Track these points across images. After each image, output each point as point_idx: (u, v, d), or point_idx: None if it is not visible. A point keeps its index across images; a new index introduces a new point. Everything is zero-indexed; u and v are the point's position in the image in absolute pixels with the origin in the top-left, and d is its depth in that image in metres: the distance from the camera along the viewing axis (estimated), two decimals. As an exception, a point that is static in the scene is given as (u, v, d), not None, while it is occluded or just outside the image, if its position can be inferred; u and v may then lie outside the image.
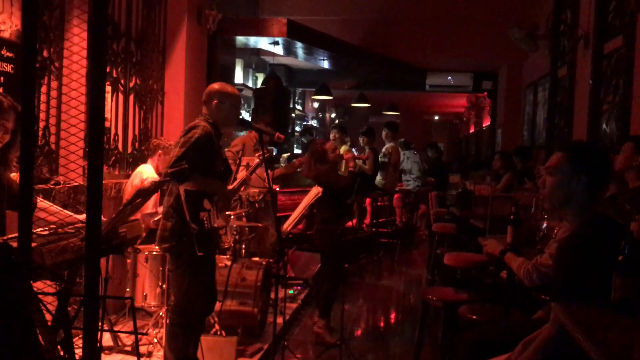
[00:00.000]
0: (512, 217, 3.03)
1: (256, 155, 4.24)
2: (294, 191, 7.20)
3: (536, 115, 8.54)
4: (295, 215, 3.91)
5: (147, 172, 4.51)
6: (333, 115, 17.66)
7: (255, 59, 9.38)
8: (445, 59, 10.45)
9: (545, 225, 3.01)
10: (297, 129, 13.26)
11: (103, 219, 3.14)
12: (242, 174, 4.93)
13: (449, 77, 10.88)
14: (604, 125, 5.57)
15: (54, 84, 4.18)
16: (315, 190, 3.97)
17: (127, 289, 4.28)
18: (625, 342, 1.60)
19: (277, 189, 6.37)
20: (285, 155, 9.05)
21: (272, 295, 4.58)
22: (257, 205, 5.55)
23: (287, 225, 3.97)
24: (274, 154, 6.38)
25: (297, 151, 12.66)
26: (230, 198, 3.33)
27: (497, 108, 11.08)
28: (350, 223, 7.98)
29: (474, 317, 3.05)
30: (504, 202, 3.94)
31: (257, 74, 9.41)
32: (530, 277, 2.54)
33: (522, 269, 2.59)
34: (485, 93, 11.55)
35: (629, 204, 3.59)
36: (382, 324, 5.84)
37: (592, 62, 5.78)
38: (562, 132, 6.81)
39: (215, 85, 3.48)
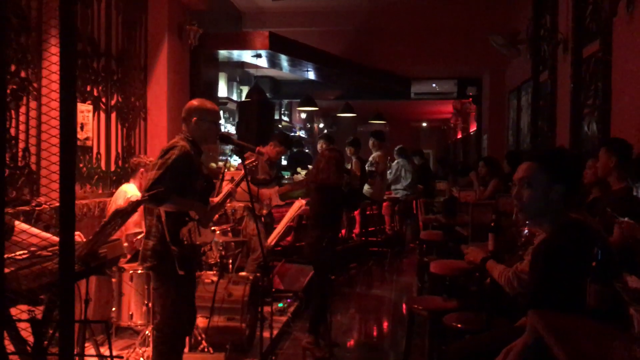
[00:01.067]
0: (492, 224, 3.04)
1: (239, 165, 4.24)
2: (281, 205, 7.21)
3: (520, 120, 8.60)
4: (279, 229, 3.90)
5: (131, 192, 4.49)
6: (321, 125, 17.68)
7: (239, 72, 9.39)
8: (429, 67, 10.51)
9: (526, 231, 3.02)
10: (285, 140, 13.25)
11: (81, 239, 3.14)
12: (227, 188, 4.94)
13: (434, 85, 10.94)
14: (586, 129, 5.62)
15: (32, 105, 4.16)
16: (299, 204, 3.97)
17: (113, 309, 4.25)
18: (600, 350, 1.60)
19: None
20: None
21: (266, 309, 4.58)
22: (262, 219, 5.58)
23: (271, 240, 3.97)
24: (277, 173, 6.41)
25: (283, 162, 12.66)
26: (211, 215, 3.31)
27: (482, 113, 11.15)
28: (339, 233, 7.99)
29: (459, 325, 3.04)
30: (485, 209, 3.95)
31: (241, 87, 9.42)
32: (511, 284, 2.54)
33: (503, 276, 2.59)
34: (470, 99, 11.62)
35: (611, 207, 3.62)
36: (372, 335, 5.82)
37: (571, 67, 5.84)
38: (545, 137, 6.85)
39: (194, 102, 3.46)
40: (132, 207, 2.67)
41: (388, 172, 9.32)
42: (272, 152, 5.72)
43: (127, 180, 4.71)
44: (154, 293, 3.43)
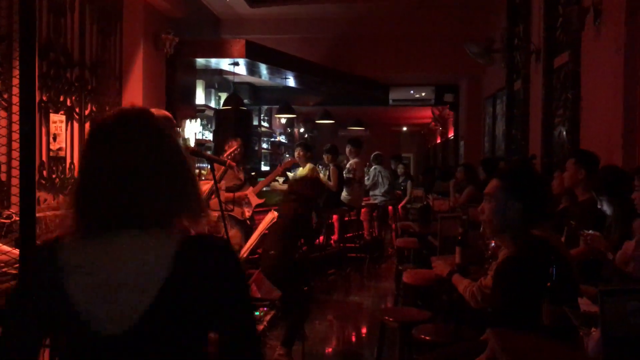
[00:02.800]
0: (459, 237, 3.08)
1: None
2: (261, 210, 7.20)
3: (496, 127, 8.70)
4: (252, 240, 3.91)
5: None
6: (302, 130, 17.70)
7: (217, 79, 9.38)
8: (407, 74, 10.60)
9: (493, 244, 3.07)
10: (265, 146, 13.26)
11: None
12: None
13: (412, 91, 11.03)
14: (557, 138, 5.71)
15: (3, 114, 4.13)
16: (271, 215, 3.98)
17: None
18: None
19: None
20: (251, 174, 9.05)
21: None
22: (248, 222, 5.60)
23: (244, 252, 3.96)
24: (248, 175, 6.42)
25: (264, 168, 12.66)
26: None
27: (459, 120, 11.26)
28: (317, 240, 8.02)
29: (427, 338, 3.08)
30: (454, 222, 4.01)
31: (220, 94, 9.40)
32: (475, 299, 2.58)
33: (468, 291, 2.63)
34: (448, 105, 11.73)
35: (576, 219, 3.69)
36: (347, 343, 5.83)
37: (543, 76, 5.93)
38: (519, 144, 6.95)
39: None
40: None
41: (366, 178, 9.38)
42: (232, 152, 5.71)
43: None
44: None
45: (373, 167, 9.63)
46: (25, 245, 1.90)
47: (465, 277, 2.83)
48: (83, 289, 1.20)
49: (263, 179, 8.78)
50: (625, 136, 4.04)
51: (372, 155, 9.87)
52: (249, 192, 5.72)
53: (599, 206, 3.12)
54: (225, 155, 5.78)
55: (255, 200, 5.58)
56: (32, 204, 1.45)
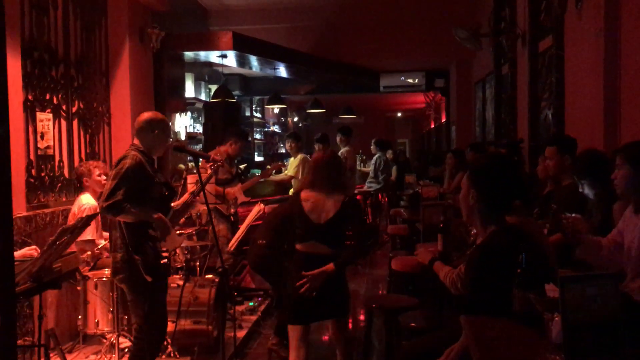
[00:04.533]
0: (441, 225, 3.12)
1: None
2: (253, 202, 7.24)
3: (486, 111, 8.72)
4: (239, 233, 3.95)
5: (85, 202, 4.51)
6: (295, 119, 17.70)
7: (207, 71, 9.37)
8: (397, 60, 10.59)
9: (475, 230, 3.11)
10: (258, 136, 13.27)
11: (37, 253, 3.15)
12: (186, 196, 4.98)
13: (402, 77, 11.02)
14: (544, 121, 5.74)
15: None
16: (258, 208, 4.02)
17: (79, 317, 4.28)
18: (520, 355, 1.68)
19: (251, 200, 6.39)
20: (241, 166, 9.07)
21: (231, 310, 4.64)
22: (232, 218, 5.65)
23: (231, 244, 4.01)
24: (241, 168, 6.49)
25: (258, 158, 12.68)
26: (165, 223, 3.37)
27: (450, 105, 11.27)
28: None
29: (412, 324, 3.13)
30: (436, 210, 4.05)
31: (210, 86, 9.39)
32: (455, 286, 2.62)
33: (448, 278, 2.67)
34: (439, 91, 11.73)
35: (560, 203, 3.73)
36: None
37: (528, 60, 5.95)
38: (507, 129, 6.98)
39: (152, 115, 3.57)
40: (82, 223, 2.70)
41: (371, 164, 9.45)
42: (231, 149, 5.77)
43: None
44: (129, 304, 3.51)
45: (377, 155, 9.64)
46: (4, 249, 1.88)
47: (447, 264, 2.87)
48: (306, 207, 3.40)
49: (257, 170, 8.84)
50: (606, 118, 4.07)
51: (373, 142, 9.87)
52: (237, 189, 5.74)
53: (580, 190, 3.15)
54: (222, 148, 5.81)
55: (241, 198, 5.62)
56: (8, 204, 1.45)
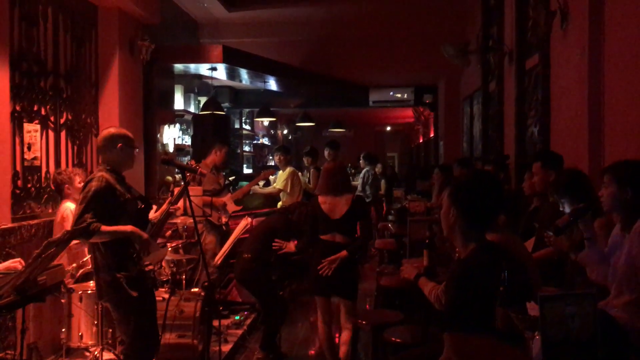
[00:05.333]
0: (427, 240, 3.14)
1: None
2: (244, 214, 7.24)
3: (473, 127, 8.80)
4: (227, 246, 3.95)
5: (67, 208, 4.49)
6: (285, 131, 17.73)
7: (197, 83, 9.38)
8: (386, 75, 10.68)
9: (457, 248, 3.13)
10: (247, 148, 13.27)
11: (22, 266, 3.13)
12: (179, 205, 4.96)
13: (391, 92, 11.10)
14: (530, 138, 5.81)
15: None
16: (245, 222, 4.03)
17: (63, 330, 4.24)
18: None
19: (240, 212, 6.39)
20: (230, 178, 9.07)
21: (216, 324, 4.62)
22: (224, 227, 5.64)
23: (218, 258, 4.01)
24: (228, 181, 6.49)
25: (247, 171, 12.67)
26: (143, 236, 3.34)
27: (439, 120, 11.35)
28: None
29: (397, 340, 3.14)
30: (422, 225, 4.08)
31: (199, 98, 9.39)
32: (439, 301, 2.64)
33: (433, 294, 2.69)
34: (427, 106, 11.82)
35: (545, 220, 3.76)
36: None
37: (515, 78, 6.03)
38: (494, 145, 7.05)
39: (113, 130, 3.53)
40: (67, 236, 2.69)
41: (360, 178, 9.46)
42: (217, 157, 5.78)
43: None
44: (116, 323, 3.48)
45: (365, 169, 9.66)
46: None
47: (432, 280, 2.89)
48: (324, 208, 4.17)
49: (245, 182, 8.83)
50: (591, 136, 4.13)
51: (362, 156, 9.88)
52: (227, 198, 5.75)
53: (560, 208, 3.19)
54: (208, 160, 5.83)
55: (232, 207, 5.62)
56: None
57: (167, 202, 3.80)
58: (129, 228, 3.26)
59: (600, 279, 2.69)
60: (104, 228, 3.14)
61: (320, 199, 4.22)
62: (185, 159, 8.42)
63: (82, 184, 4.43)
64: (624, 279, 2.50)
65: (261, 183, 7.89)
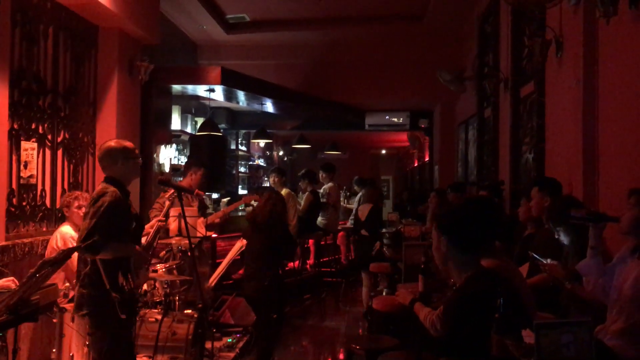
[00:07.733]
0: (422, 266, 3.14)
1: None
2: (233, 236, 7.21)
3: (468, 153, 8.85)
4: (221, 269, 3.93)
5: (63, 231, 4.47)
6: (281, 153, 17.75)
7: (194, 104, 9.42)
8: (382, 99, 10.76)
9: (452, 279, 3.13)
10: (242, 169, 13.28)
11: (15, 285, 3.11)
12: (174, 225, 4.94)
13: (387, 116, 11.18)
14: (525, 165, 5.85)
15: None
16: (240, 244, 4.02)
17: (53, 350, 4.20)
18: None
19: (214, 236, 6.34)
20: (224, 199, 9.06)
21: (208, 346, 4.57)
22: (196, 252, 5.52)
23: (212, 280, 3.98)
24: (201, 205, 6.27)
25: (242, 192, 12.66)
26: (144, 256, 3.30)
27: (434, 145, 11.42)
28: (292, 264, 8.04)
29: (392, 365, 3.12)
30: (417, 250, 4.08)
31: (196, 119, 9.44)
32: (435, 327, 2.63)
33: (428, 319, 2.68)
34: (422, 131, 11.89)
35: (540, 247, 3.76)
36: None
37: (510, 105, 6.09)
38: (489, 170, 7.08)
39: (113, 144, 3.40)
40: (62, 255, 2.68)
41: (355, 202, 9.46)
42: (192, 180, 5.54)
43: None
44: (90, 337, 3.40)
45: (360, 193, 9.64)
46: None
47: (428, 305, 2.88)
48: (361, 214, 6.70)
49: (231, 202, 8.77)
50: (585, 164, 4.16)
51: (355, 180, 9.87)
52: (200, 222, 5.56)
53: (556, 236, 3.19)
54: (183, 182, 5.68)
55: (203, 231, 5.40)
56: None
57: (155, 219, 3.77)
58: (132, 247, 3.22)
59: (595, 291, 2.67)
60: (113, 245, 3.08)
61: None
62: (180, 179, 8.40)
63: (81, 208, 4.42)
64: (628, 303, 2.48)
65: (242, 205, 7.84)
